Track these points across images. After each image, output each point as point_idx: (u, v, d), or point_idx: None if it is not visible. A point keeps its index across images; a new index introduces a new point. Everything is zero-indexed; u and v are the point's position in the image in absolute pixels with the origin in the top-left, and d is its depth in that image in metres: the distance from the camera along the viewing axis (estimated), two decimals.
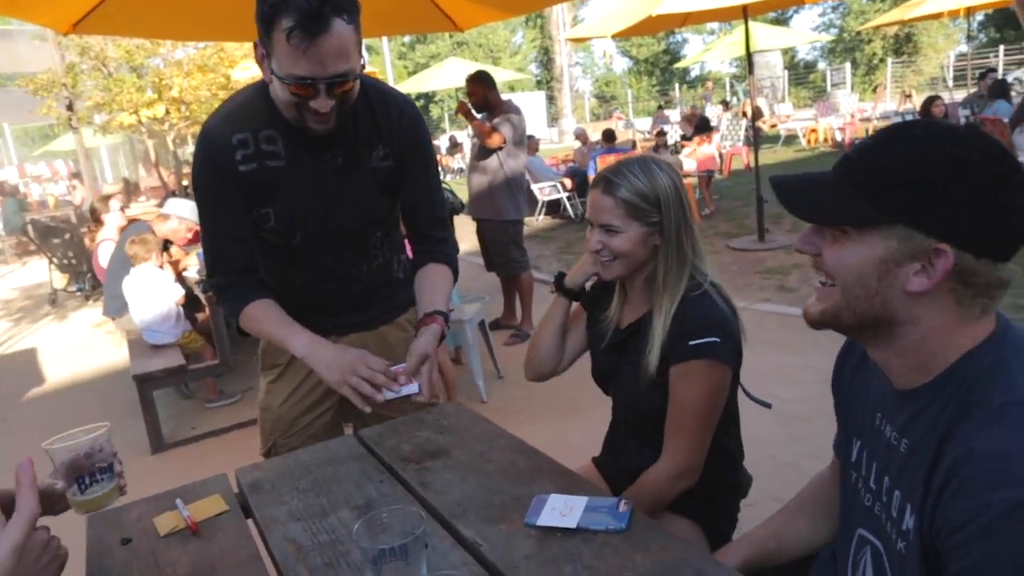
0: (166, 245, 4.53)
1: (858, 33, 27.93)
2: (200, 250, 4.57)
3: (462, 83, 4.74)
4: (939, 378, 0.85)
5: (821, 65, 30.99)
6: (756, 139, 7.47)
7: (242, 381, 4.32)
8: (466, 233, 4.51)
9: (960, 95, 12.33)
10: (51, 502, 1.12)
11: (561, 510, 1.17)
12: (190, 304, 4.39)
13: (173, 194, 7.72)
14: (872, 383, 0.99)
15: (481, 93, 4.52)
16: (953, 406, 0.81)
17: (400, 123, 1.59)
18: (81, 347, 6.06)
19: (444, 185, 2.22)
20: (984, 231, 0.80)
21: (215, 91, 9.42)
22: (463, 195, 4.78)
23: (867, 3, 29.09)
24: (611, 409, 1.65)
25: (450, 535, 1.17)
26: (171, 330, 4.09)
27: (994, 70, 12.38)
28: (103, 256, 4.98)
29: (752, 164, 7.76)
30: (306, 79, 1.33)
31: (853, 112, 15.14)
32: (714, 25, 27.19)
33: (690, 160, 8.88)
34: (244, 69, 8.15)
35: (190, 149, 11.32)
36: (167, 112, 9.76)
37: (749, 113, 9.62)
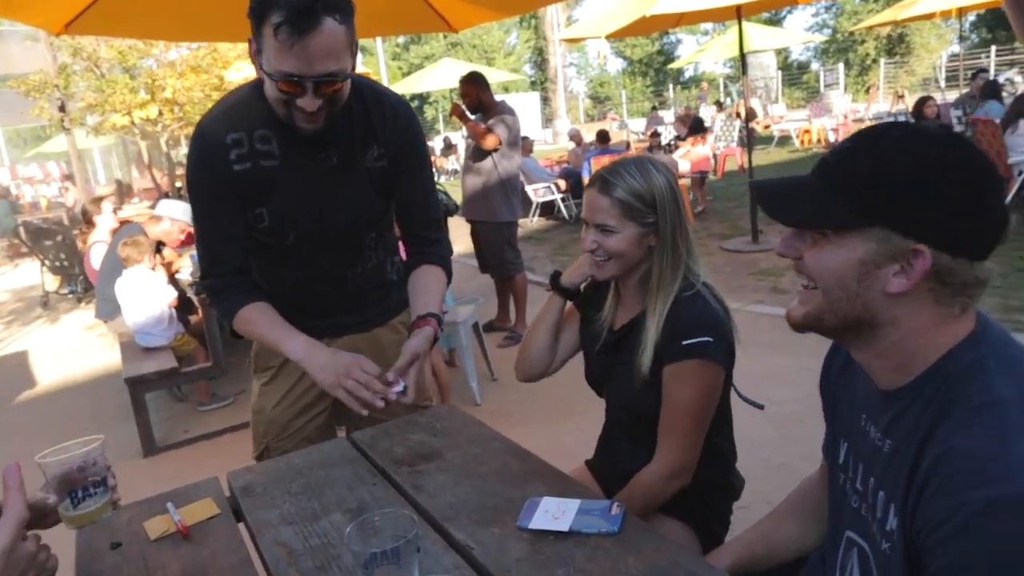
0: (158, 247, 4.51)
1: (851, 33, 28.05)
2: (193, 252, 4.56)
3: (456, 84, 4.74)
4: (920, 378, 0.85)
5: (814, 66, 31.10)
6: (750, 140, 7.49)
7: (235, 384, 4.30)
8: (460, 235, 4.51)
9: (952, 95, 12.38)
10: (42, 516, 1.10)
11: (554, 513, 1.17)
12: (183, 306, 4.37)
13: (166, 196, 7.68)
14: (858, 385, 0.99)
15: (475, 94, 4.52)
16: (934, 406, 0.82)
17: (395, 123, 1.59)
18: (73, 350, 6.03)
19: (438, 186, 2.21)
20: (960, 231, 0.81)
21: (208, 92, 9.40)
22: (457, 196, 4.78)
23: (860, 3, 29.20)
24: (604, 411, 1.65)
25: (442, 538, 1.17)
26: (164, 332, 4.08)
27: (985, 70, 12.45)
28: (95, 258, 4.95)
29: (746, 165, 7.79)
30: (293, 76, 1.32)
31: (846, 113, 15.19)
32: (708, 26, 27.30)
33: (684, 161, 8.89)
34: (238, 70, 8.12)
35: (183, 151, 11.27)
36: (160, 113, 9.74)
37: (743, 114, 9.65)
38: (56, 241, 7.79)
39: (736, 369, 1.48)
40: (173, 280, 4.46)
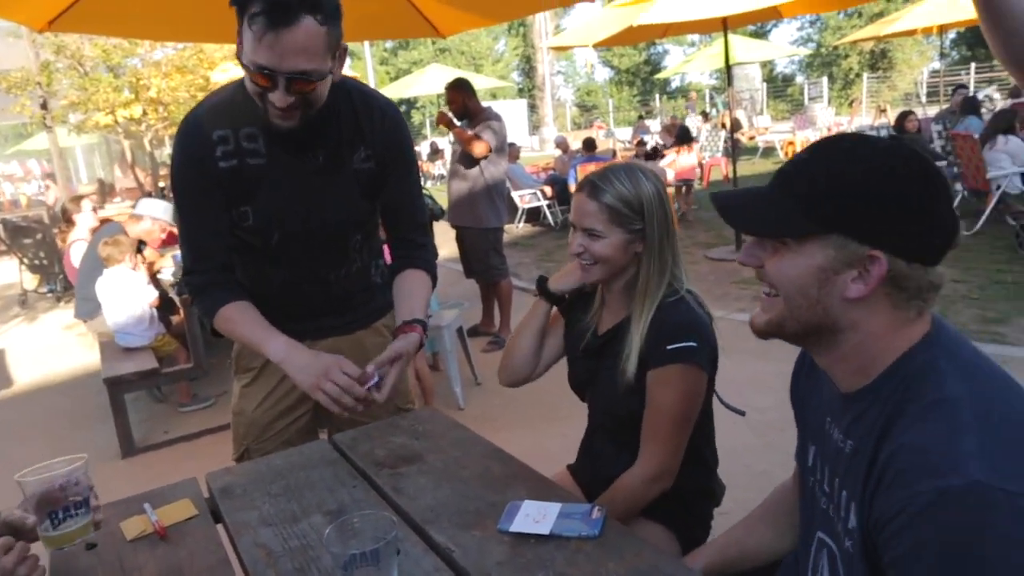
0: (139, 247, 4.47)
1: (835, 48, 28.44)
2: (175, 252, 4.52)
3: (444, 90, 4.74)
4: (878, 380, 0.88)
5: (799, 79, 31.47)
6: (734, 150, 7.57)
7: (216, 385, 4.26)
8: (445, 240, 4.50)
9: (933, 111, 12.57)
10: (17, 535, 1.08)
11: (535, 516, 1.17)
12: (164, 307, 4.33)
13: (149, 195, 7.62)
14: (823, 389, 1.02)
15: (461, 101, 4.52)
16: (890, 406, 0.85)
17: (383, 125, 1.59)
18: (51, 349, 5.95)
19: (424, 191, 2.22)
20: (913, 237, 0.85)
21: (194, 93, 9.35)
22: (443, 201, 4.77)
23: (844, 19, 29.60)
24: (587, 416, 1.65)
25: (423, 541, 1.16)
26: (144, 333, 4.03)
27: (965, 87, 12.65)
28: (75, 257, 4.90)
29: (731, 175, 7.85)
30: (265, 69, 1.31)
31: (830, 125, 15.38)
32: (695, 37, 27.50)
33: (669, 170, 8.96)
34: (224, 71, 8.09)
35: (167, 151, 11.19)
36: (144, 113, 9.67)
37: (728, 125, 9.73)
38: (36, 239, 7.69)
39: (719, 376, 1.49)
40: (154, 280, 4.41)
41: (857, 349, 0.89)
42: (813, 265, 0.87)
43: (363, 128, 1.57)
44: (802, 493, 1.10)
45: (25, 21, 3.66)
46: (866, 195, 0.84)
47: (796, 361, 1.15)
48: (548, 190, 9.35)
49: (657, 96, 30.55)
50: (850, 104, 20.77)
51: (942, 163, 7.45)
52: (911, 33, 12.66)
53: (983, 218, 6.33)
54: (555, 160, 11.48)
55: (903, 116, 8.67)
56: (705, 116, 17.18)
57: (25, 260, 7.77)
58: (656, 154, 9.77)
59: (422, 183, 1.82)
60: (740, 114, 16.66)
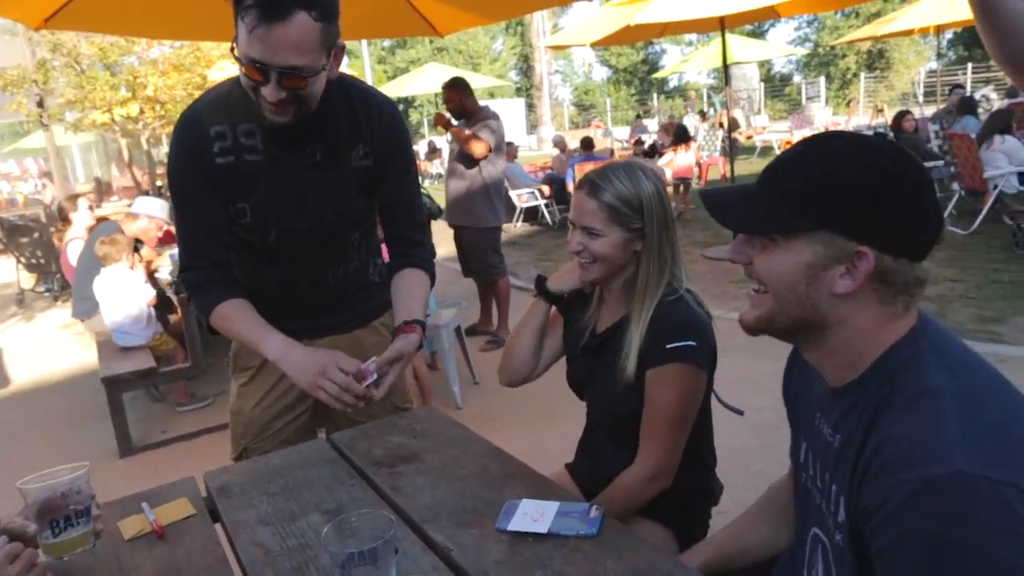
0: (137, 246, 4.46)
1: (832, 48, 28.45)
2: (173, 251, 4.51)
3: (441, 89, 4.74)
4: (865, 374, 0.89)
5: (796, 78, 31.49)
6: (732, 150, 7.58)
7: (214, 384, 4.26)
8: (443, 239, 4.50)
9: (930, 110, 12.60)
10: (22, 542, 1.06)
11: (533, 515, 1.17)
12: (162, 306, 4.33)
13: (146, 194, 7.60)
14: (813, 385, 1.03)
15: (458, 100, 4.51)
16: (877, 399, 0.86)
17: (381, 123, 1.59)
18: (49, 349, 5.94)
19: (422, 190, 2.22)
20: (900, 233, 0.86)
21: (191, 91, 9.33)
22: (441, 201, 4.77)
23: (841, 19, 29.62)
24: (585, 415, 1.65)
25: (421, 540, 1.16)
26: (142, 332, 4.03)
27: (962, 87, 12.68)
28: (72, 255, 4.89)
29: (728, 174, 7.86)
30: (256, 62, 1.30)
31: (827, 125, 15.39)
32: (692, 37, 27.49)
33: (667, 169, 8.96)
34: (221, 70, 8.08)
35: (165, 149, 11.17)
36: (141, 111, 9.65)
37: (726, 124, 9.74)
38: (33, 238, 7.68)
39: (717, 375, 1.49)
40: (152, 279, 4.41)
41: (845, 344, 0.90)
42: (802, 261, 0.88)
43: (361, 126, 1.56)
44: (796, 490, 1.10)
45: (21, 18, 3.65)
46: (857, 193, 0.85)
47: (788, 359, 1.16)
48: (546, 189, 9.35)
49: (655, 95, 30.56)
50: (847, 104, 20.79)
51: (939, 163, 7.47)
52: (908, 33, 12.68)
53: (980, 217, 6.34)
54: (553, 159, 11.48)
55: (900, 116, 8.68)
56: (703, 115, 17.17)
57: (22, 259, 7.75)
58: (654, 152, 9.78)
59: (420, 182, 1.82)
60: (738, 113, 16.66)
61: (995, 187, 6.20)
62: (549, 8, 18.23)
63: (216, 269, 1.58)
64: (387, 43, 33.88)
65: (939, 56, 16.03)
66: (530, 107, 28.51)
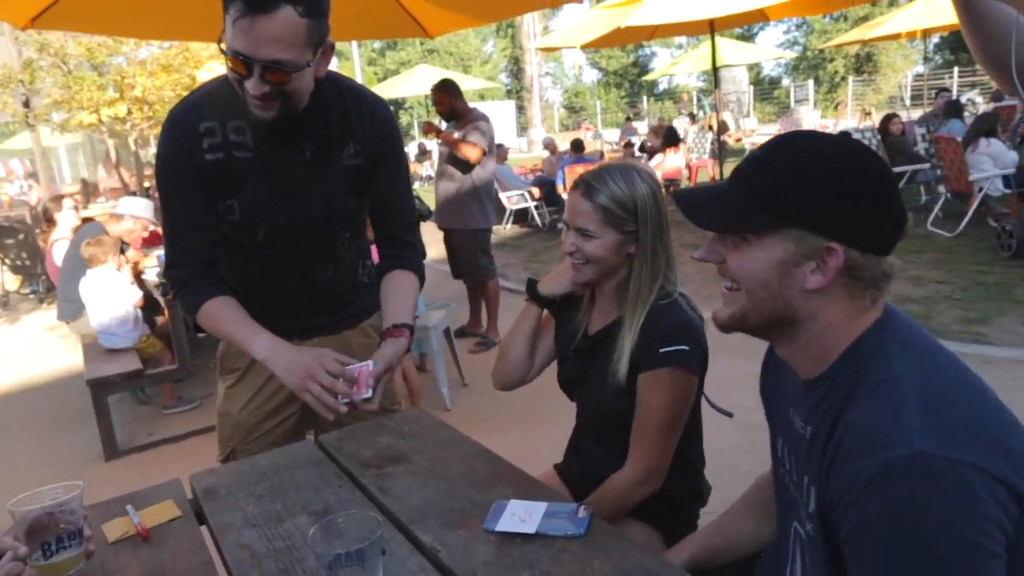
0: (123, 247, 4.43)
1: (821, 51, 28.66)
2: (159, 252, 4.48)
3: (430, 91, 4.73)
4: (834, 365, 0.92)
5: (785, 81, 31.72)
6: (721, 152, 7.61)
7: (201, 387, 4.23)
8: (433, 241, 4.49)
9: (917, 113, 12.72)
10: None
11: (520, 515, 1.17)
12: (149, 307, 4.29)
13: (134, 195, 7.55)
14: (788, 380, 1.05)
15: (447, 102, 4.50)
16: (844, 389, 0.88)
17: (372, 122, 1.58)
18: (34, 351, 5.89)
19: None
20: (867, 229, 0.88)
21: (179, 92, 9.27)
22: (430, 202, 4.76)
23: (829, 22, 29.84)
24: (575, 415, 1.65)
25: (408, 540, 1.16)
26: (128, 334, 3.99)
27: (948, 90, 12.81)
28: (57, 256, 4.85)
29: (718, 176, 7.90)
30: (240, 55, 1.30)
31: (816, 128, 15.49)
32: (682, 40, 27.67)
33: (657, 171, 8.99)
34: (209, 70, 8.04)
35: (152, 150, 11.09)
36: (129, 112, 9.58)
37: (715, 127, 9.78)
38: (18, 240, 7.61)
39: (706, 376, 1.49)
40: (139, 280, 4.38)
41: (817, 338, 0.92)
42: (773, 259, 0.90)
43: (352, 124, 1.56)
44: (776, 486, 1.12)
45: (7, 18, 3.62)
46: (826, 190, 0.88)
47: (763, 361, 1.18)
48: (536, 191, 9.36)
49: (645, 98, 30.66)
50: (836, 107, 20.97)
51: (925, 165, 7.54)
52: (895, 37, 12.80)
53: (965, 220, 6.39)
54: (543, 161, 11.49)
55: (887, 119, 8.75)
56: (692, 118, 17.26)
57: (7, 261, 7.68)
58: (643, 150, 9.81)
59: (411, 182, 1.81)
60: (727, 116, 16.76)
61: (980, 190, 6.25)
62: (540, 10, 18.28)
63: (203, 266, 1.57)
64: (377, 45, 33.83)
65: (926, 60, 16.21)
66: (520, 109, 28.54)
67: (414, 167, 16.68)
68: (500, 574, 1.05)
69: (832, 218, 0.87)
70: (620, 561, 1.06)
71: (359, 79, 17.71)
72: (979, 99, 15.04)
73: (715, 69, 7.07)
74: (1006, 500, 0.75)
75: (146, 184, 9.85)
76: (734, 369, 3.65)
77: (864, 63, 28.60)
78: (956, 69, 21.41)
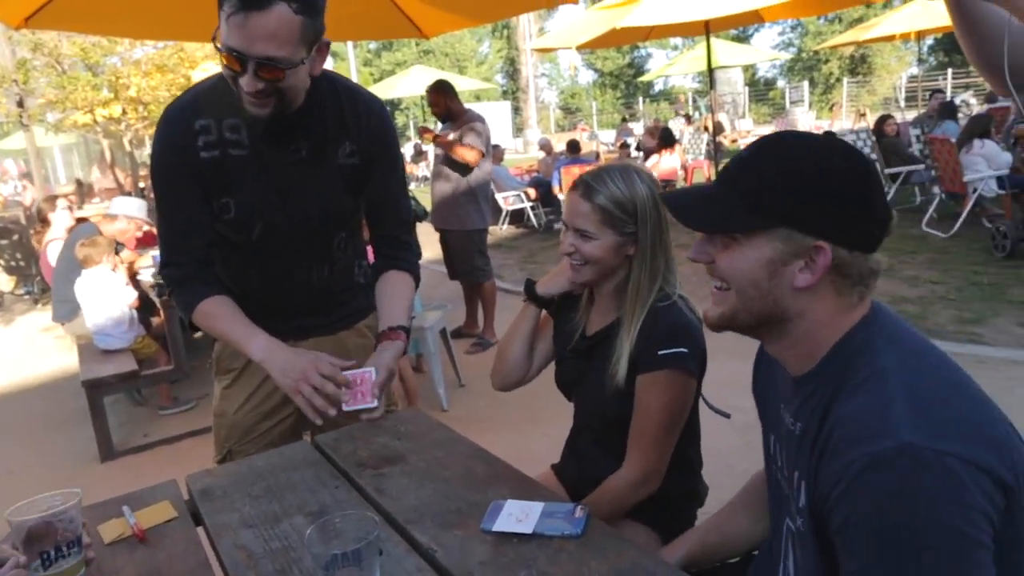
0: (117, 248, 4.41)
1: (816, 53, 28.74)
2: (155, 252, 4.47)
3: (425, 92, 4.73)
4: (822, 362, 0.93)
5: (780, 83, 31.79)
6: (716, 153, 7.62)
7: (197, 388, 4.22)
8: (429, 241, 4.50)
9: (911, 115, 12.77)
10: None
11: (517, 516, 1.17)
12: (144, 308, 4.28)
13: (128, 195, 7.53)
14: (778, 379, 1.06)
15: (443, 103, 4.50)
16: (833, 385, 0.89)
17: (368, 121, 1.58)
18: (28, 352, 5.87)
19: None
20: (854, 227, 0.90)
21: (174, 92, 9.24)
22: (427, 203, 4.76)
23: (824, 24, 29.93)
24: (572, 416, 1.65)
25: (405, 541, 1.16)
26: (124, 335, 3.98)
27: (942, 92, 12.85)
28: (51, 256, 4.83)
29: (713, 177, 7.91)
30: (233, 51, 1.30)
31: (811, 129, 15.53)
32: (677, 40, 27.74)
33: (652, 172, 9.01)
34: (204, 71, 8.01)
35: (147, 151, 11.06)
36: (124, 112, 9.55)
37: (711, 127, 9.80)
38: (12, 240, 7.58)
39: (704, 378, 1.49)
40: (134, 281, 4.36)
41: (806, 335, 0.93)
42: (763, 258, 0.91)
43: (348, 123, 1.56)
44: (769, 484, 1.13)
45: (1, 18, 3.60)
46: (813, 190, 0.89)
47: (755, 360, 1.19)
48: (532, 192, 9.36)
49: (640, 99, 30.70)
50: (830, 108, 21.04)
51: (920, 166, 7.56)
52: (890, 39, 12.84)
53: (960, 221, 6.42)
54: (539, 162, 11.50)
55: (882, 120, 8.77)
56: (688, 119, 17.28)
57: (1, 262, 7.65)
58: (639, 149, 9.81)
59: (407, 182, 1.81)
60: (722, 117, 16.78)
61: (974, 190, 6.28)
62: (536, 11, 18.28)
63: (198, 266, 1.56)
64: (373, 45, 33.81)
65: (920, 61, 16.28)
66: (516, 110, 28.56)
67: (410, 168, 16.67)
68: (497, 574, 1.05)
69: (819, 217, 0.88)
70: (617, 561, 1.06)
71: (355, 79, 17.69)
72: (973, 101, 15.10)
73: (710, 70, 7.08)
74: (992, 490, 0.76)
75: (141, 184, 9.82)
76: (731, 369, 3.66)
77: (859, 65, 28.70)
78: (950, 71, 21.50)
